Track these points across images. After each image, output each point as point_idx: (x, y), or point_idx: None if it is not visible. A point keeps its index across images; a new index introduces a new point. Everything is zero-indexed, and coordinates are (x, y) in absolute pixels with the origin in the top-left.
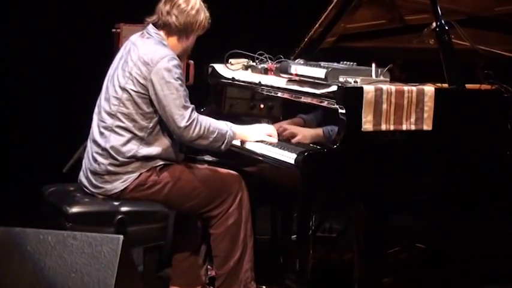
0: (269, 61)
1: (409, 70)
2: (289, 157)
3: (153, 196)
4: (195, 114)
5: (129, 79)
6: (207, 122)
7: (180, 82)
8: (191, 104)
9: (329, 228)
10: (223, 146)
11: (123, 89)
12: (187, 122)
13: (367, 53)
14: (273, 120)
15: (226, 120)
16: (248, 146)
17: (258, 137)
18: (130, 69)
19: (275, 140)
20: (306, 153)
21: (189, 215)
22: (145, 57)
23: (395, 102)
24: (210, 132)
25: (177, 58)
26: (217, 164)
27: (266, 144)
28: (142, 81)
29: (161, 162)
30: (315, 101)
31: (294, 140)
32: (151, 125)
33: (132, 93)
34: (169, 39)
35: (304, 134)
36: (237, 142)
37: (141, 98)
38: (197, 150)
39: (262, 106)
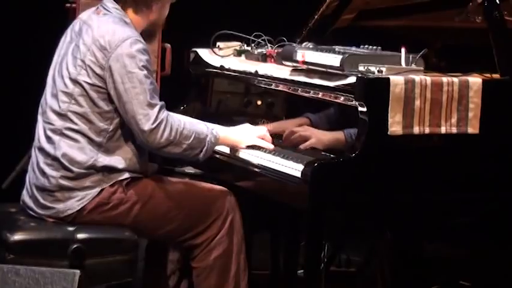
0: (268, 45)
1: (450, 56)
2: (295, 168)
3: (118, 219)
4: (164, 114)
5: (82, 69)
6: (181, 123)
7: (145, 72)
8: (160, 100)
9: (346, 261)
10: (201, 155)
11: (75, 82)
12: (153, 123)
13: (395, 35)
14: (272, 121)
15: (213, 122)
16: (241, 154)
17: (249, 141)
18: (83, 55)
19: (270, 144)
20: (315, 164)
21: (165, 244)
22: (102, 40)
23: (432, 97)
24: (184, 137)
25: (142, 41)
26: (201, 177)
27: (264, 151)
28: (98, 70)
29: (128, 175)
30: (327, 97)
31: (304, 145)
32: (111, 127)
33: (86, 86)
34: (130, 14)
35: (320, 138)
36: (225, 149)
37: (98, 93)
38: (175, 159)
39: (259, 103)
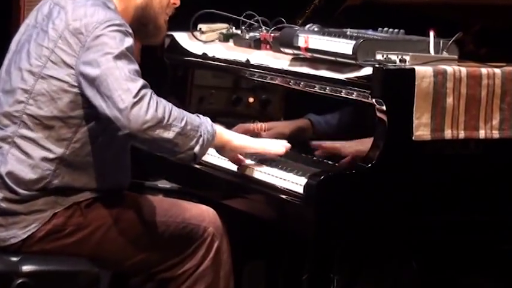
0: (263, 27)
1: (491, 42)
2: (295, 182)
3: (75, 248)
4: (149, 90)
5: (48, 60)
6: (168, 104)
7: (128, 54)
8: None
9: None
10: (197, 147)
11: (37, 76)
12: (134, 97)
13: (421, 15)
14: (267, 122)
15: None
16: (227, 164)
17: (256, 145)
18: (53, 44)
19: (269, 153)
20: (322, 177)
21: (133, 278)
22: (77, 23)
23: (468, 93)
24: (175, 118)
25: (128, 28)
26: (178, 194)
27: (256, 161)
28: (69, 61)
29: (90, 196)
30: (336, 93)
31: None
32: (76, 136)
33: (53, 82)
34: None
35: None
36: (211, 158)
37: (65, 92)
38: (145, 171)
39: (251, 100)
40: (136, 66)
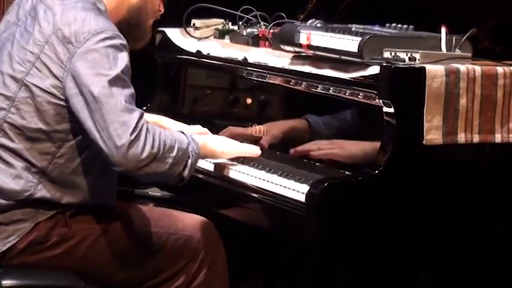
0: (261, 23)
1: (507, 38)
2: (297, 190)
3: (59, 261)
4: (144, 121)
5: (32, 66)
6: (161, 130)
7: (123, 76)
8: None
9: None
10: (186, 171)
11: (21, 83)
12: (132, 133)
13: (432, 9)
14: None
15: (189, 124)
16: (224, 171)
17: (233, 150)
18: (39, 49)
19: (256, 148)
20: (325, 184)
21: None
22: (66, 30)
23: (483, 94)
24: (168, 149)
25: (121, 36)
26: (170, 202)
27: (254, 167)
28: (56, 70)
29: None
30: (340, 93)
31: (318, 154)
32: (60, 151)
33: (36, 92)
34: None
35: (346, 148)
36: (206, 164)
37: (50, 104)
38: (135, 178)
39: (249, 101)
40: (131, 90)
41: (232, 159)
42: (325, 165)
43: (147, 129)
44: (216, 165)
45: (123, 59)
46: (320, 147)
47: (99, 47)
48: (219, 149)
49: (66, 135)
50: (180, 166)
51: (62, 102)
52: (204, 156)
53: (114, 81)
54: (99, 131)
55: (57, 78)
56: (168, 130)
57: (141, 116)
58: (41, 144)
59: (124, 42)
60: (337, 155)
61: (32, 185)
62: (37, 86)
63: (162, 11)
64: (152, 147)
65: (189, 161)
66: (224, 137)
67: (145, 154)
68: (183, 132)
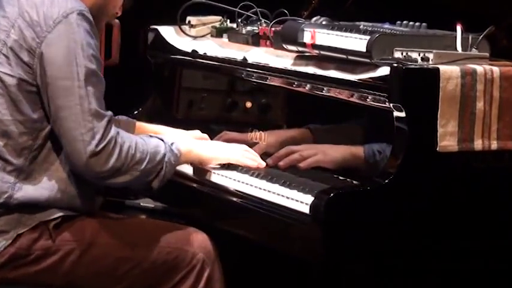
0: (262, 21)
1: None
2: (300, 201)
3: (43, 277)
4: (113, 130)
5: (0, 53)
6: (132, 142)
7: (94, 67)
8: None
9: None
10: (156, 181)
11: None
12: (98, 144)
13: (447, 6)
14: (266, 131)
15: (184, 129)
16: (219, 180)
17: (225, 156)
18: (5, 34)
19: (258, 160)
20: (331, 194)
21: None
22: (34, 13)
23: (502, 97)
24: (136, 162)
25: (91, 17)
26: (164, 214)
27: (254, 175)
28: (25, 56)
29: (58, 214)
30: (347, 97)
31: (306, 163)
32: (37, 143)
33: (7, 80)
34: None
35: (329, 154)
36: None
37: (23, 92)
38: (125, 188)
39: (248, 105)
40: (103, 86)
41: (231, 168)
42: (330, 173)
43: (115, 141)
44: (198, 169)
45: (95, 45)
46: (302, 155)
47: (71, 32)
48: (207, 155)
49: (41, 123)
50: (149, 177)
51: (35, 89)
52: (192, 162)
53: (88, 77)
54: (64, 131)
55: (27, 65)
56: (145, 138)
57: (109, 123)
58: (16, 139)
59: (94, 25)
60: (320, 161)
61: (10, 185)
62: (7, 74)
63: (120, 13)
64: (117, 160)
65: (162, 172)
66: (220, 142)
67: (107, 167)
68: (163, 140)
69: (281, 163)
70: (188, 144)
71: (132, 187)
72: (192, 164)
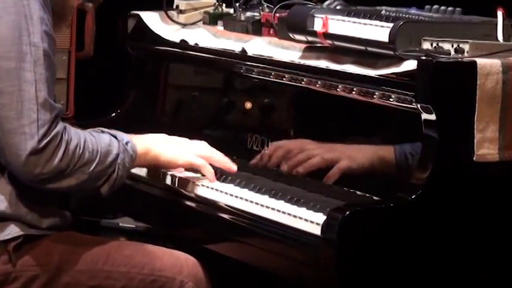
0: (264, 5)
1: None
2: (310, 220)
3: None
4: (60, 125)
5: None
6: (80, 140)
7: (45, 46)
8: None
9: None
10: (105, 186)
11: None
12: (40, 140)
13: None
14: (270, 136)
15: (171, 134)
16: (211, 194)
17: (187, 157)
18: None
19: (211, 173)
20: (347, 212)
21: None
22: None
23: None
24: (84, 164)
25: None
26: (147, 236)
27: (253, 190)
28: None
29: (18, 232)
30: (366, 96)
31: (333, 173)
32: None
33: None
34: None
35: (356, 159)
36: (191, 186)
37: None
38: (102, 205)
39: (248, 106)
40: (54, 69)
41: (227, 179)
42: (344, 186)
43: (61, 137)
44: (203, 188)
45: (50, 23)
46: (324, 158)
47: (21, 4)
48: (166, 157)
49: None
50: (98, 181)
51: None
52: (149, 164)
53: (39, 59)
54: (4, 120)
55: None
56: (95, 135)
57: (57, 117)
58: None
59: (45, 6)
60: (346, 170)
61: None
62: None
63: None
64: (61, 160)
65: (113, 176)
66: (187, 139)
67: (49, 168)
68: (116, 137)
69: (300, 169)
70: (146, 143)
71: (76, 193)
72: (147, 167)
